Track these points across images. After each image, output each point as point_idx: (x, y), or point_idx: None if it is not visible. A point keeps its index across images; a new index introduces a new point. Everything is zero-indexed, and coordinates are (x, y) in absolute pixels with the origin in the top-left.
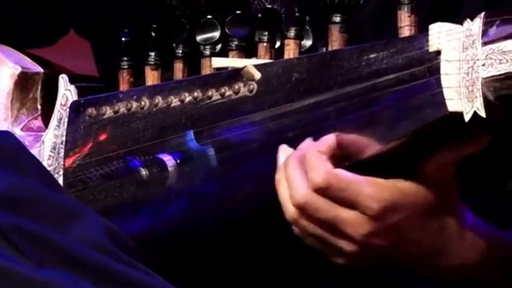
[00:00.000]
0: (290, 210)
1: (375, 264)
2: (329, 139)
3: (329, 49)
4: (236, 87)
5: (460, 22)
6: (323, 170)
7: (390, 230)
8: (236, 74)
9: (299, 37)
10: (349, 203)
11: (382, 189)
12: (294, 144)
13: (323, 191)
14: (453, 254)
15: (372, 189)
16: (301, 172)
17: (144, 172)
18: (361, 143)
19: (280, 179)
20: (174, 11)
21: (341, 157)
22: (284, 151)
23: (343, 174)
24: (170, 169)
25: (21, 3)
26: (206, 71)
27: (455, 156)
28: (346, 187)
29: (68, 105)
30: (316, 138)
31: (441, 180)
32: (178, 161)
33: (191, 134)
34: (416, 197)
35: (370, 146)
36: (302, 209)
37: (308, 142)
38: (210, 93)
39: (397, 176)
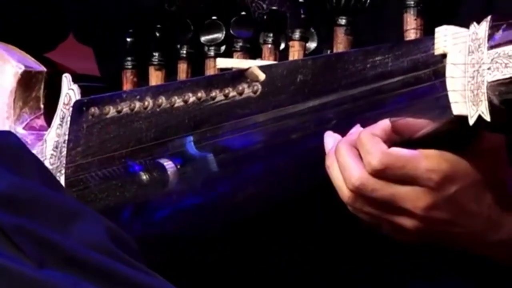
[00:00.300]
0: (345, 193)
1: (434, 240)
2: (384, 123)
3: (334, 51)
4: (240, 88)
5: (461, 24)
6: (379, 152)
7: (449, 202)
8: (240, 75)
9: (304, 39)
10: (408, 180)
11: (438, 160)
12: (298, 146)
13: (381, 172)
14: (507, 228)
15: (429, 162)
16: (354, 156)
17: (144, 176)
18: (414, 126)
19: (331, 164)
20: (174, 15)
21: (394, 141)
22: (331, 137)
23: (399, 152)
24: (170, 173)
25: (20, 7)
26: (210, 72)
27: None
28: (404, 165)
29: (71, 104)
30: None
31: (490, 150)
32: (178, 166)
33: (190, 138)
34: (468, 167)
35: (423, 128)
36: (358, 191)
37: (358, 128)
38: (214, 93)
39: (448, 149)
